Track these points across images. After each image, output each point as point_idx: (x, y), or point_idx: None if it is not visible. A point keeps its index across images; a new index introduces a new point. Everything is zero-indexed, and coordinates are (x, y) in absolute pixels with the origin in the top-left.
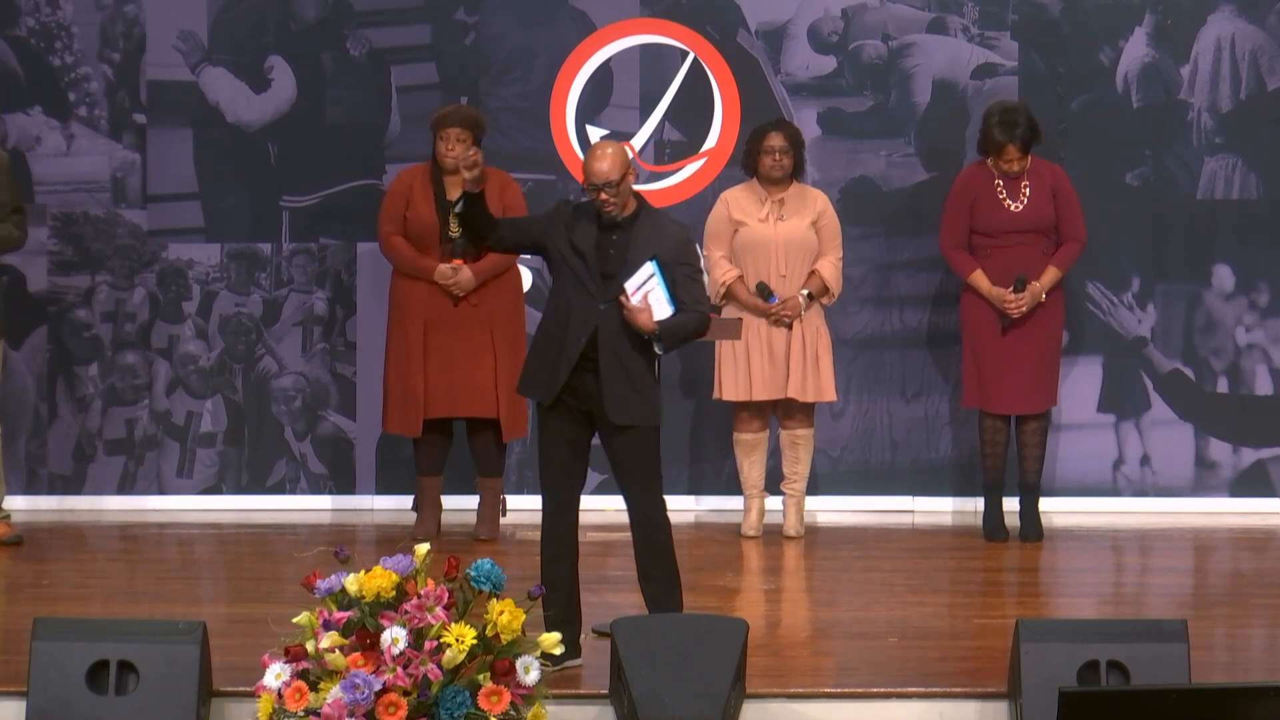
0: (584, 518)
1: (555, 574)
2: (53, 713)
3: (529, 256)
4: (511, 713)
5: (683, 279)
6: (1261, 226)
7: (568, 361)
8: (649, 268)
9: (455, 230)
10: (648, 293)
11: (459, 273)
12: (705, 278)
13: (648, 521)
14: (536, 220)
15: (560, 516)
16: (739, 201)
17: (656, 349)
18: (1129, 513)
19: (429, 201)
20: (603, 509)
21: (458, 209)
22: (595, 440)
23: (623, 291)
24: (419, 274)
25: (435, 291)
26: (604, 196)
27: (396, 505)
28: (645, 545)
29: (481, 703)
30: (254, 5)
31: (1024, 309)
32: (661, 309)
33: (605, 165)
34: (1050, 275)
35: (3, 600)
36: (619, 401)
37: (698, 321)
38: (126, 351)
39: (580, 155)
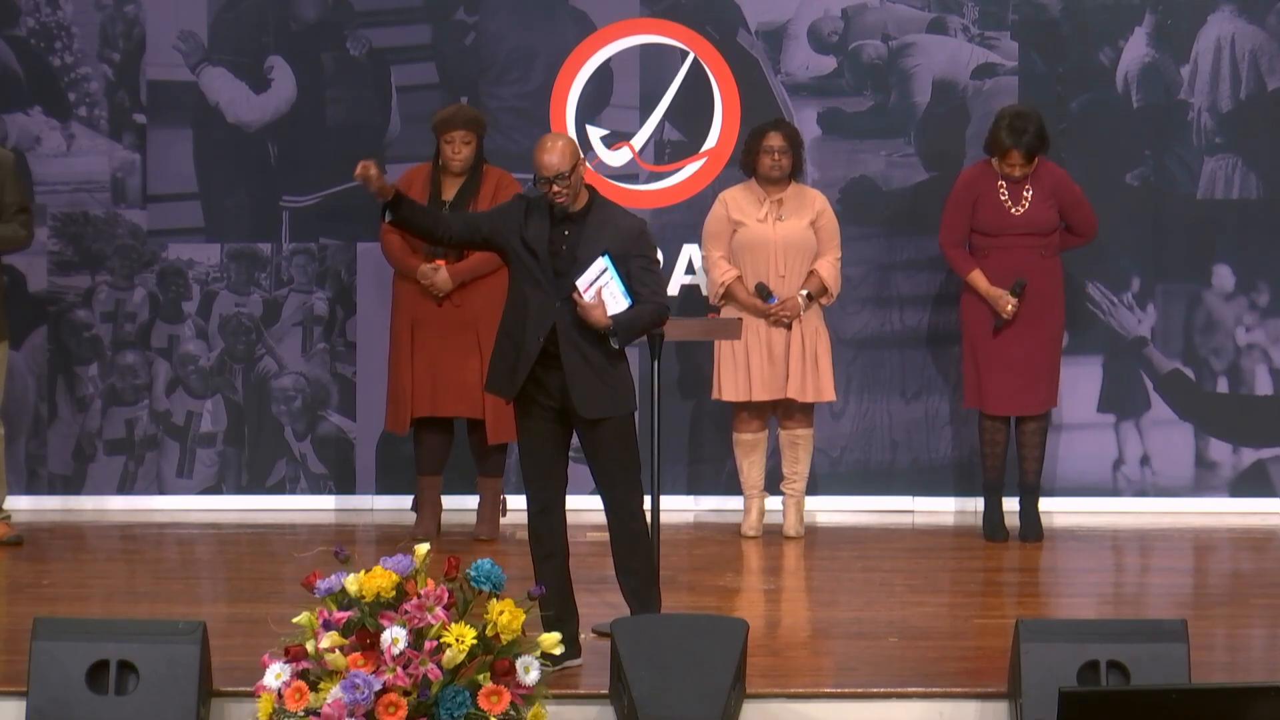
0: (583, 517)
1: (547, 573)
2: (53, 713)
3: None
4: (511, 713)
5: (638, 270)
6: (1261, 226)
7: (527, 358)
8: (601, 263)
9: None
10: (601, 288)
11: (437, 272)
12: (707, 273)
13: (627, 514)
14: (488, 216)
15: (546, 516)
16: (738, 201)
17: (613, 344)
18: (1129, 513)
19: (422, 201)
20: (602, 509)
21: (385, 218)
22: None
23: (575, 288)
24: (406, 272)
25: (421, 291)
26: (555, 189)
27: (396, 505)
28: (625, 539)
29: (481, 703)
30: (254, 5)
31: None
32: (617, 303)
33: (555, 158)
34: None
35: (3, 600)
36: (586, 396)
37: (654, 312)
38: (126, 351)
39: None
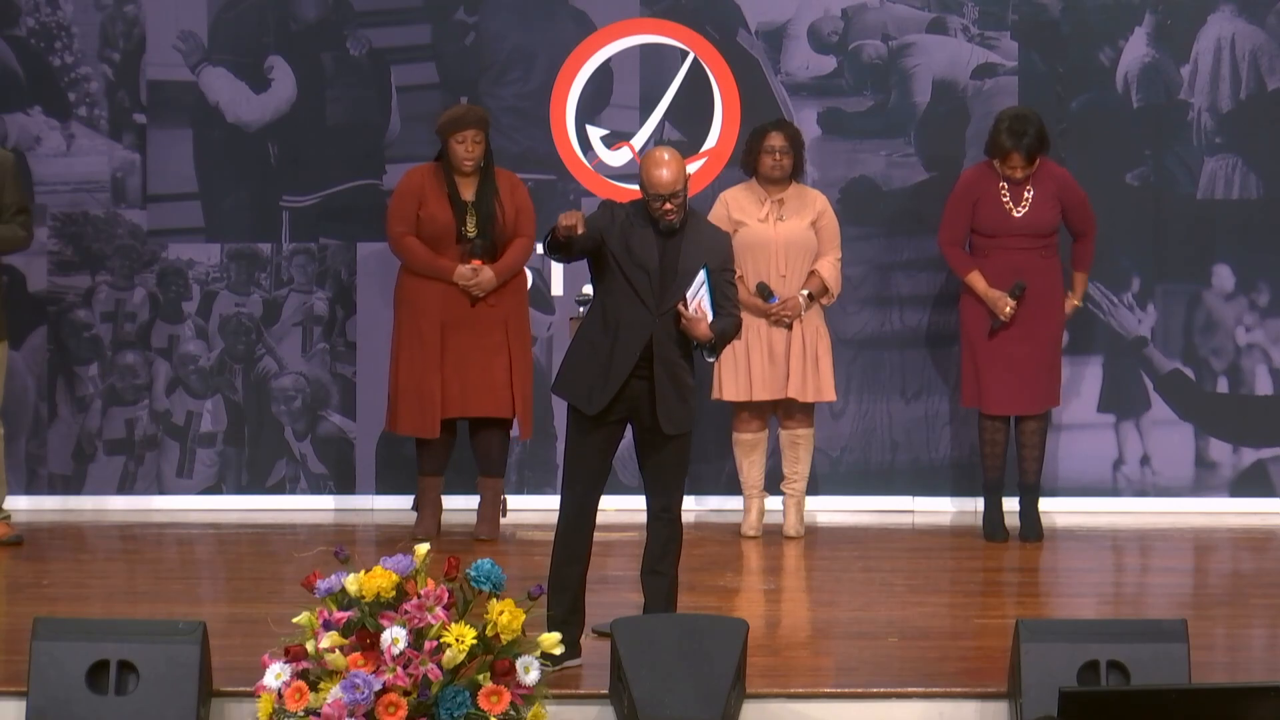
0: None
1: (566, 575)
2: (53, 713)
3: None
4: (511, 713)
5: (723, 284)
6: (1261, 226)
7: (619, 372)
8: (701, 276)
9: (471, 230)
10: (701, 301)
11: (480, 273)
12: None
13: (674, 521)
14: (593, 224)
15: (582, 521)
16: (739, 201)
17: (708, 358)
18: (1129, 513)
19: (443, 202)
20: (604, 509)
21: (549, 240)
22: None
23: (681, 301)
24: (436, 274)
25: (451, 292)
26: (669, 206)
27: (396, 505)
28: (663, 543)
29: (481, 703)
30: (254, 5)
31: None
32: (708, 316)
33: (670, 175)
34: (1080, 282)
35: (3, 600)
36: (671, 413)
37: (736, 325)
38: (126, 351)
39: (580, 155)
